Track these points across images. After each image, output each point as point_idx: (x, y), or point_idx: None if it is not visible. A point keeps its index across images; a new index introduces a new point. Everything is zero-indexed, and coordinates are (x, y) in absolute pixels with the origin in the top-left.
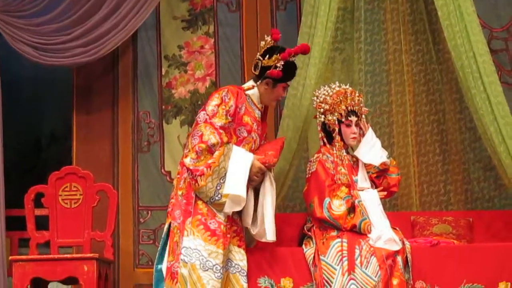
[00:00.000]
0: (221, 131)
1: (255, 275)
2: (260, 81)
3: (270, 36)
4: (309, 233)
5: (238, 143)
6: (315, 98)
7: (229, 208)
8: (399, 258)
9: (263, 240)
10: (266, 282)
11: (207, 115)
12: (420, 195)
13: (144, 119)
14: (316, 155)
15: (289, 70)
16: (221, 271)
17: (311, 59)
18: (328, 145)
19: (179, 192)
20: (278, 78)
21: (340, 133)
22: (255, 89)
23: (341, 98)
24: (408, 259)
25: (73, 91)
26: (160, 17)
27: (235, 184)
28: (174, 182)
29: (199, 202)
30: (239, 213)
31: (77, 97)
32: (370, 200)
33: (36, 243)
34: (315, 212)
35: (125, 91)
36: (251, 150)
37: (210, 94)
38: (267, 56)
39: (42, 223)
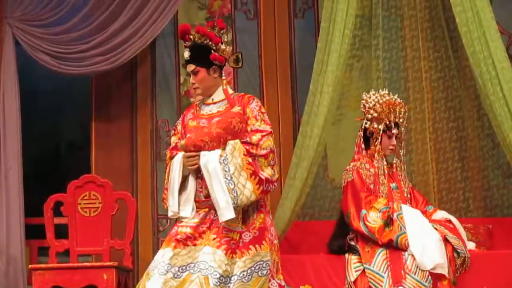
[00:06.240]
0: (166, 151)
1: None
2: None
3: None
4: (352, 242)
5: None
6: (364, 102)
7: (180, 215)
8: None
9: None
10: None
11: None
12: (439, 202)
13: (162, 128)
14: (352, 164)
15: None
16: (165, 268)
17: (329, 67)
18: (364, 152)
19: None
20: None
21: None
22: None
23: (390, 109)
24: None
25: (92, 100)
26: (178, 25)
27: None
28: None
29: None
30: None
31: (96, 105)
32: (411, 214)
33: (56, 252)
34: (352, 223)
35: (143, 100)
36: None
37: None
38: None
39: (61, 232)
